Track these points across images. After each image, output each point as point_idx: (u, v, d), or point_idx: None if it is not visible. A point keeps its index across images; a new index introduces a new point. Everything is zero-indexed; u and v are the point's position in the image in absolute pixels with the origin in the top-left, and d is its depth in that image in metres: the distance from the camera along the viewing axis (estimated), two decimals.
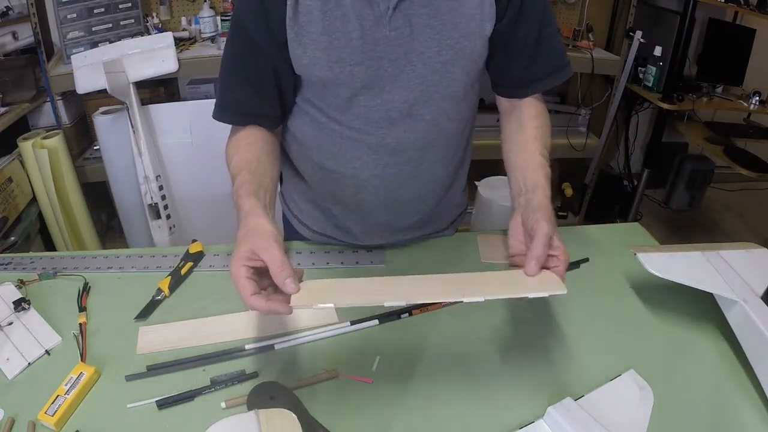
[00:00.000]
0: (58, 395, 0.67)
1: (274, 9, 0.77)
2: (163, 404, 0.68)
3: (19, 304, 0.83)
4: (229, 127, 0.88)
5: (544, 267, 0.68)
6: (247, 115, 0.86)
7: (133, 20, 2.18)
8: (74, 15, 2.05)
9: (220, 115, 0.87)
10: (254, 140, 0.85)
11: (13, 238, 1.85)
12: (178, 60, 2.02)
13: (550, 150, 0.87)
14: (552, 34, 0.87)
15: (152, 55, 2.01)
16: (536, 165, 0.82)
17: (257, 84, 0.84)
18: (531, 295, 0.64)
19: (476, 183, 2.10)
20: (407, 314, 0.84)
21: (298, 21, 0.77)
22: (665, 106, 2.33)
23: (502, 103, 0.94)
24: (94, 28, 2.10)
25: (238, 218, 0.70)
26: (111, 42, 2.10)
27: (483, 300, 0.62)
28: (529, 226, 0.73)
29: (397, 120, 0.84)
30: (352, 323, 0.82)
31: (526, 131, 0.88)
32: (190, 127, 2.06)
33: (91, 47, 2.08)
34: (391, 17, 0.76)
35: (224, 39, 2.34)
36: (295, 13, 0.77)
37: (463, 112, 0.90)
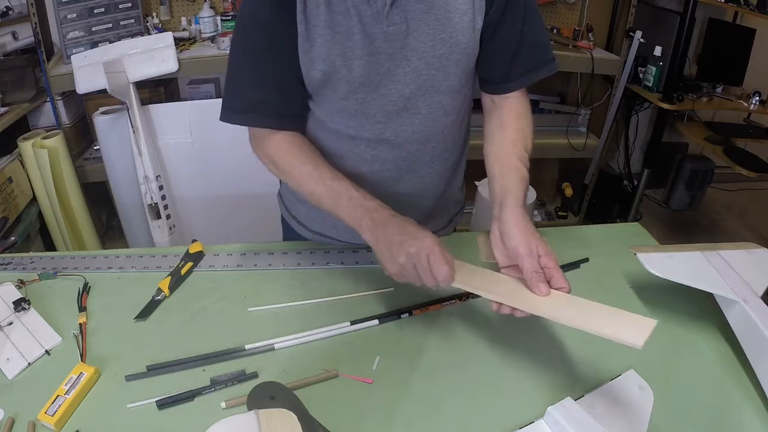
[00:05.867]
0: (58, 395, 0.67)
1: (288, 2, 0.77)
2: (163, 404, 0.68)
3: (19, 304, 0.83)
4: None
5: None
6: (278, 117, 0.84)
7: (133, 20, 2.18)
8: (74, 15, 2.05)
9: (239, 117, 0.85)
10: (309, 151, 0.86)
11: (13, 238, 1.84)
12: (178, 60, 2.01)
13: (531, 152, 0.87)
14: (535, 30, 0.87)
15: (152, 55, 2.00)
16: (510, 169, 0.83)
17: (283, 82, 0.83)
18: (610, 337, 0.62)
19: (476, 183, 2.10)
20: (407, 314, 0.84)
21: (307, 15, 0.78)
22: (665, 106, 2.33)
23: (486, 100, 0.94)
24: (94, 28, 2.10)
25: (375, 215, 0.76)
26: (111, 42, 2.09)
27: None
28: (510, 249, 0.75)
29: (394, 114, 0.85)
30: (352, 323, 0.82)
31: (507, 132, 0.88)
32: (190, 127, 2.05)
33: (91, 47, 2.08)
34: (388, 13, 0.77)
35: (224, 39, 2.33)
36: (305, 5, 0.77)
37: (458, 106, 0.91)
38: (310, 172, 0.82)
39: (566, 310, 0.67)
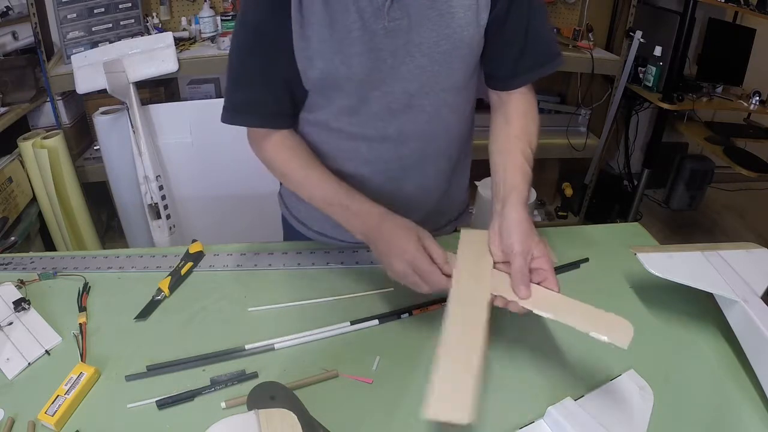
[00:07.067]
0: (58, 395, 0.67)
1: (282, 3, 0.77)
2: (163, 404, 0.68)
3: (19, 304, 0.83)
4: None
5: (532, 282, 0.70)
6: (271, 117, 0.86)
7: (133, 20, 2.18)
8: (74, 15, 2.05)
9: (234, 118, 0.86)
10: (302, 152, 0.88)
11: (13, 238, 1.85)
12: (178, 60, 2.02)
13: (536, 148, 0.86)
14: (540, 25, 0.86)
15: (152, 55, 2.00)
16: (515, 166, 0.81)
17: (275, 82, 0.83)
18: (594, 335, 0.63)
19: (476, 183, 2.10)
20: (407, 314, 0.84)
21: (302, 12, 0.77)
22: (665, 106, 2.33)
23: (493, 97, 0.93)
24: (94, 28, 2.10)
25: (365, 218, 0.80)
26: (111, 42, 2.10)
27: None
28: (505, 247, 0.73)
29: (397, 111, 0.85)
30: (352, 323, 0.82)
31: (512, 128, 0.86)
32: (190, 127, 2.05)
33: (91, 47, 2.08)
34: (389, 8, 0.76)
35: (224, 39, 2.33)
36: (300, 3, 0.76)
37: (463, 104, 0.90)
38: (305, 176, 0.86)
39: (553, 307, 0.67)
